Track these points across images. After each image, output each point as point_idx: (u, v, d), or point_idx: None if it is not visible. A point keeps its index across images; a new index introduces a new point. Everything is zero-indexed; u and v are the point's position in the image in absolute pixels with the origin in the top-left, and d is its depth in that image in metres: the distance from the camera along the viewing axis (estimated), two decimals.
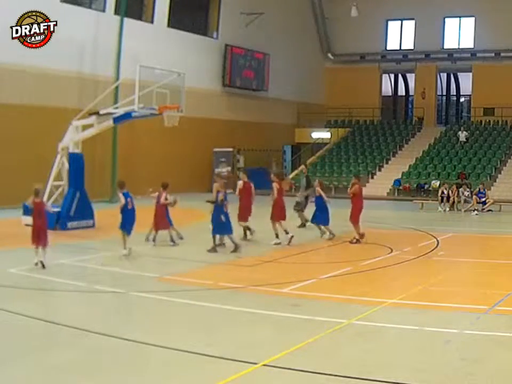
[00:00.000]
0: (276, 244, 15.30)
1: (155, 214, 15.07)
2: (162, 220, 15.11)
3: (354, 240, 15.64)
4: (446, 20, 38.28)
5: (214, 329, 8.29)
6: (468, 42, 37.85)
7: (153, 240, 15.10)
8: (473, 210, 23.87)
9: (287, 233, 15.45)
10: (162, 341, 7.61)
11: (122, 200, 13.60)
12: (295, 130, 39.14)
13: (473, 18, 37.11)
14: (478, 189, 24.93)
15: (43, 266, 11.99)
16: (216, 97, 33.45)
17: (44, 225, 12.40)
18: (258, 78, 35.95)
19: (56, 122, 21.40)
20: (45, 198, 15.42)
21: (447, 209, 24.71)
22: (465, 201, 24.84)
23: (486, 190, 25.25)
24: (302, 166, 19.84)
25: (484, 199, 24.41)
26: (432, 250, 14.65)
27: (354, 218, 15.87)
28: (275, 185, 15.88)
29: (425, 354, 7.19)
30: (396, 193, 31.58)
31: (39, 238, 12.10)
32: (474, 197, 24.49)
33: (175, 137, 28.39)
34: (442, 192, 25.02)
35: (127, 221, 13.62)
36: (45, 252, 12.15)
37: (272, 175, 16.90)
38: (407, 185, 31.54)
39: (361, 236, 15.74)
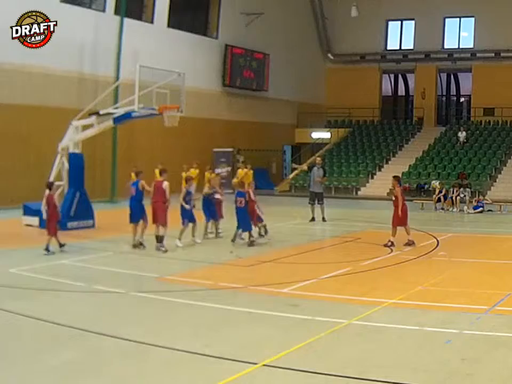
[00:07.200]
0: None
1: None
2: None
3: (411, 242, 14.98)
4: (446, 20, 38.32)
5: (213, 329, 8.28)
6: (467, 42, 37.88)
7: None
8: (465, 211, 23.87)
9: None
10: (162, 341, 7.60)
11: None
12: (295, 130, 39.15)
13: (473, 19, 37.15)
14: (478, 199, 24.90)
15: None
16: (216, 97, 33.45)
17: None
18: (258, 78, 35.95)
19: (56, 122, 21.41)
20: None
21: (444, 208, 24.65)
22: (463, 201, 24.79)
23: (484, 201, 24.99)
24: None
25: (479, 207, 24.23)
26: (432, 250, 14.63)
27: (403, 221, 15.05)
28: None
29: (425, 354, 7.18)
30: None
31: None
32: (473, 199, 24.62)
33: (175, 137, 28.37)
34: (439, 192, 25.01)
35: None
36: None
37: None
38: (407, 185, 31.50)
39: (411, 241, 15.06)
